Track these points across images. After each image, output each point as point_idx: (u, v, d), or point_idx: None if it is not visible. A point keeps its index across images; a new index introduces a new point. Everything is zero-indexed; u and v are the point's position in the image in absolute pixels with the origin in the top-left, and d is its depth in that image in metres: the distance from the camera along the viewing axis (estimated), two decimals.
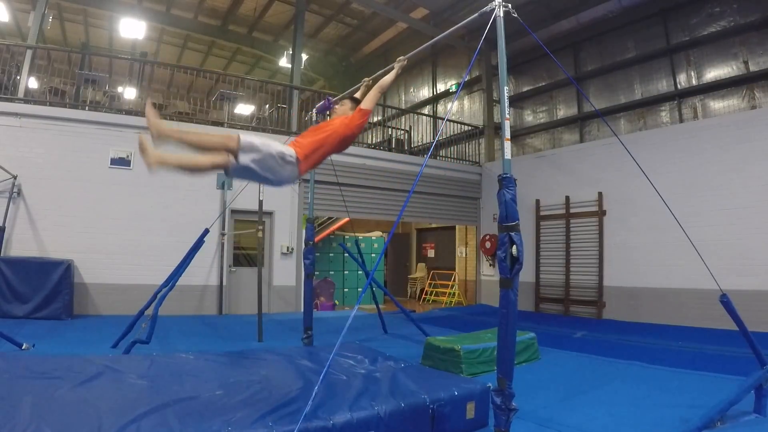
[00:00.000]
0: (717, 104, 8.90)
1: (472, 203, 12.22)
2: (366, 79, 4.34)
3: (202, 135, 2.69)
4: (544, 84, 11.94)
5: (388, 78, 3.45)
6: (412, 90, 15.54)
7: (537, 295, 10.52)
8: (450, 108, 13.84)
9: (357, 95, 3.99)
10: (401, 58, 3.76)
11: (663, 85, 9.70)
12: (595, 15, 9.95)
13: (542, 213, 10.65)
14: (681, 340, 6.76)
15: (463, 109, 13.84)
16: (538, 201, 10.70)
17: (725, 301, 3.58)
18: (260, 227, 7.14)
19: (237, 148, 2.57)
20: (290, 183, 3.01)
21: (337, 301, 11.20)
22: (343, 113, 3.24)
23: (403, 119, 14.66)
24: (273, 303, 9.19)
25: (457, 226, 13.15)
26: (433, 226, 14.18)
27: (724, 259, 7.03)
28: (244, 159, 2.59)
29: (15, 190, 7.45)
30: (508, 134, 2.98)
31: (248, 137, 2.65)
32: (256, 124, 11.97)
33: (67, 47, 13.32)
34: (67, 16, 13.24)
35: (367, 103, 3.20)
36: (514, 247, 2.75)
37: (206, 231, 5.82)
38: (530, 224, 10.52)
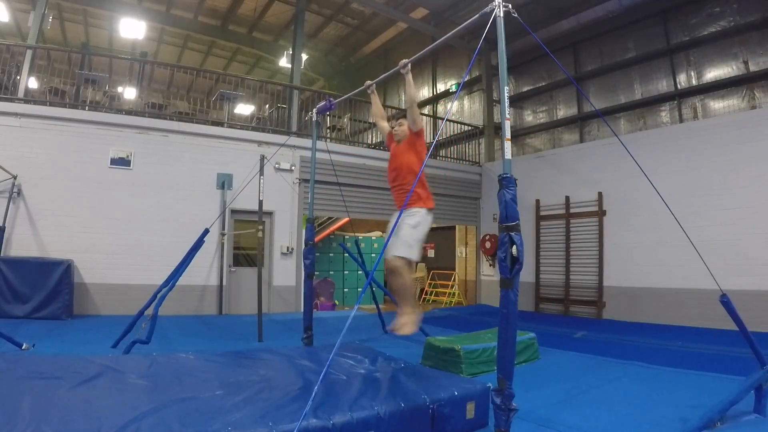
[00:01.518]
0: (717, 104, 8.90)
1: (472, 203, 12.22)
2: (368, 81, 4.34)
3: (405, 288, 3.51)
4: (544, 84, 11.94)
5: (411, 90, 3.73)
6: None
7: (537, 295, 10.52)
8: (450, 108, 13.85)
9: (378, 105, 4.27)
10: (404, 61, 3.77)
11: (663, 85, 9.70)
12: (596, 15, 9.96)
13: (542, 213, 10.65)
14: (681, 340, 6.76)
15: (463, 109, 13.84)
16: (538, 201, 10.70)
17: (725, 301, 3.58)
18: (260, 227, 7.14)
19: (411, 264, 3.49)
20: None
21: (337, 301, 11.21)
22: (402, 133, 3.81)
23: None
24: (273, 303, 9.19)
25: (457, 226, 13.15)
26: (433, 226, 14.13)
27: (724, 259, 7.03)
28: (418, 256, 3.52)
29: (15, 190, 7.44)
30: (508, 134, 2.98)
31: (409, 252, 3.40)
32: (256, 124, 11.97)
33: (67, 47, 13.33)
34: (67, 16, 13.25)
35: (416, 125, 3.70)
36: (514, 247, 2.75)
37: (206, 231, 5.81)
38: (530, 224, 10.52)
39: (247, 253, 9.43)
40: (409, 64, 3.78)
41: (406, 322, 3.39)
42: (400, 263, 3.36)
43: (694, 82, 9.23)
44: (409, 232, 3.42)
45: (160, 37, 14.60)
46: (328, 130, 11.65)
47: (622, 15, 9.82)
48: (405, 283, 3.44)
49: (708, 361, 5.39)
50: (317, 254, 10.30)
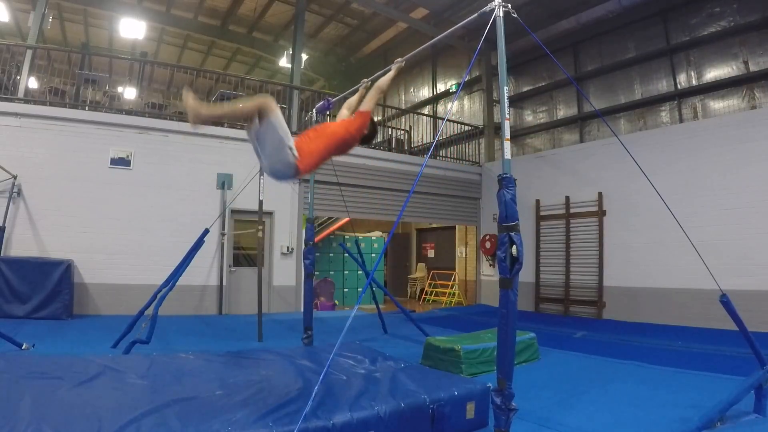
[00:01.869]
0: (717, 104, 8.90)
1: (472, 203, 12.22)
2: (365, 80, 4.32)
3: (236, 108, 2.75)
4: (544, 84, 11.94)
5: (386, 79, 3.49)
6: (412, 90, 15.54)
7: (537, 295, 10.52)
8: (450, 108, 13.85)
9: (356, 97, 3.97)
10: (399, 59, 3.77)
11: (663, 85, 9.70)
12: (595, 15, 9.95)
13: (542, 213, 10.65)
14: (681, 340, 6.76)
15: (463, 109, 13.84)
16: (538, 201, 10.70)
17: (725, 301, 3.58)
18: (260, 227, 7.14)
19: (268, 114, 2.61)
20: (285, 179, 2.98)
21: (337, 301, 11.21)
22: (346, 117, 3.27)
23: (403, 119, 14.67)
24: (273, 303, 9.19)
25: (457, 226, 13.15)
26: (433, 226, 14.19)
27: (724, 259, 7.02)
28: (264, 127, 2.64)
29: (15, 190, 7.44)
30: (508, 134, 2.98)
31: (279, 114, 2.72)
32: None
33: (67, 47, 13.32)
34: (67, 16, 13.24)
35: (364, 105, 3.22)
36: (514, 247, 2.75)
37: (206, 231, 5.82)
38: (530, 224, 10.52)
39: (247, 253, 9.43)
40: (403, 62, 3.77)
41: (197, 104, 2.50)
42: (261, 103, 2.64)
43: (694, 82, 9.23)
44: (285, 129, 2.75)
45: (160, 37, 14.60)
46: None
47: (622, 15, 9.81)
48: (242, 108, 2.71)
49: (708, 361, 5.39)
50: (317, 254, 10.31)
